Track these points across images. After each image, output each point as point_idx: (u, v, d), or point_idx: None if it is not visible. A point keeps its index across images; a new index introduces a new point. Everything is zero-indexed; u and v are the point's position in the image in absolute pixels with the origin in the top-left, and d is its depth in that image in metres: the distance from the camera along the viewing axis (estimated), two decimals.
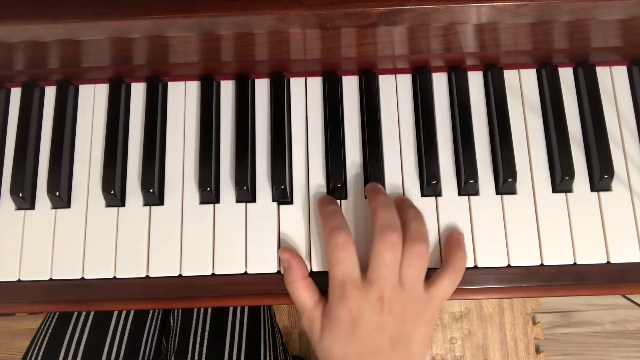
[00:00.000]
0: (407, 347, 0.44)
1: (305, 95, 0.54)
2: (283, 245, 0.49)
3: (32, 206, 0.51)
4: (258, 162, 0.52)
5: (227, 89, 0.54)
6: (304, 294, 0.47)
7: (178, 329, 0.67)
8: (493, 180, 0.51)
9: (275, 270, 0.49)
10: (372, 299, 0.43)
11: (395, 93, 0.53)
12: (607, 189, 0.50)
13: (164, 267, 0.49)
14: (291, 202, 0.51)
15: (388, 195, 0.49)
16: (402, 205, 0.48)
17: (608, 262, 0.48)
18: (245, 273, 0.49)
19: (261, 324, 0.68)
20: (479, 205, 0.50)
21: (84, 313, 0.65)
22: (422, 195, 0.50)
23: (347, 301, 0.44)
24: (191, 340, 0.64)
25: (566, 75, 0.53)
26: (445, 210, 0.50)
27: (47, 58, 0.50)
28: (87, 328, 0.64)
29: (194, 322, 0.66)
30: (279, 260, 0.49)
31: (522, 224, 0.49)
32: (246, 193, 0.50)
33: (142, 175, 0.51)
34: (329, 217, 0.47)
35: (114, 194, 0.50)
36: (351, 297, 0.43)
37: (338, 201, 0.50)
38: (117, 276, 0.49)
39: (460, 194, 0.50)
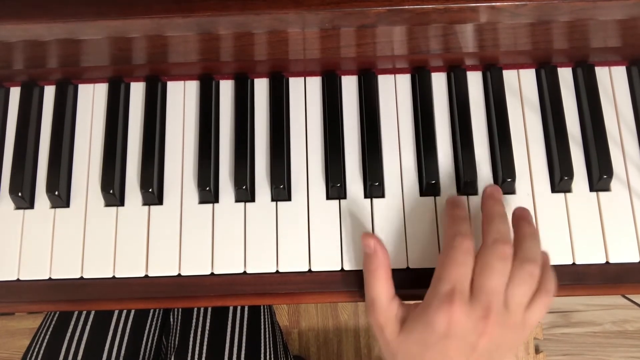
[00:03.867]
0: None
1: (305, 95, 0.54)
2: (282, 245, 0.49)
3: (31, 205, 0.51)
4: (257, 161, 0.52)
5: (227, 89, 0.54)
6: (384, 284, 0.43)
7: (178, 328, 0.67)
8: (492, 180, 0.51)
9: (274, 270, 0.49)
10: (476, 316, 0.40)
11: (395, 93, 0.53)
12: (606, 189, 0.50)
13: (163, 267, 0.49)
14: (290, 202, 0.50)
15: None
16: (521, 218, 0.45)
17: (607, 262, 0.48)
18: (245, 273, 0.49)
19: (261, 323, 0.68)
20: (479, 205, 0.50)
21: (84, 312, 0.65)
22: (422, 195, 0.50)
23: (449, 310, 0.39)
24: (191, 339, 0.64)
25: (565, 75, 0.53)
26: (445, 209, 0.50)
27: (46, 57, 0.50)
28: (88, 327, 0.64)
29: (194, 321, 0.66)
30: (278, 260, 0.49)
31: None
32: (245, 193, 0.50)
33: (142, 175, 0.51)
34: (460, 221, 0.44)
35: (113, 193, 0.50)
36: (456, 306, 0.39)
37: (337, 201, 0.50)
38: (116, 276, 0.49)
39: (459, 193, 0.50)
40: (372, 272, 0.44)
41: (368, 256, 0.45)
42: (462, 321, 0.40)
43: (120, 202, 0.51)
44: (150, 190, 0.50)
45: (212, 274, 0.49)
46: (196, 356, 0.62)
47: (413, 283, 0.48)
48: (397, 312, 0.43)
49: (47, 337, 0.64)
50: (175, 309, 0.70)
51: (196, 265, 0.49)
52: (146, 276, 0.49)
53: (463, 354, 0.40)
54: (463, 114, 0.52)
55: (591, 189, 0.50)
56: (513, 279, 0.41)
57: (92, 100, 0.54)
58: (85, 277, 0.49)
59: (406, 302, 0.45)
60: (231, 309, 0.67)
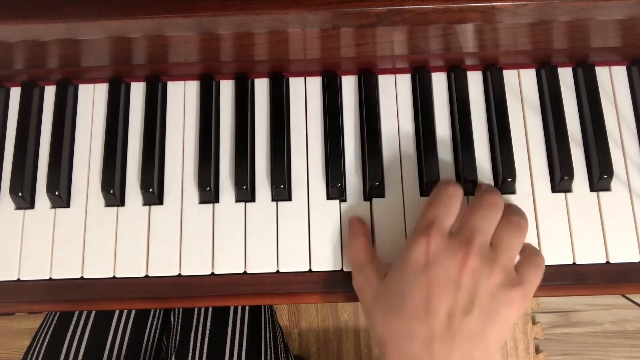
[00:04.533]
0: (482, 324, 0.36)
1: (305, 95, 0.54)
2: (282, 245, 0.49)
3: (31, 206, 0.51)
4: (257, 161, 0.52)
5: (227, 89, 0.54)
6: (362, 247, 0.44)
7: (179, 328, 0.67)
8: (492, 180, 0.51)
9: (274, 270, 0.49)
10: (456, 246, 0.37)
11: (395, 93, 0.53)
12: (607, 188, 0.50)
13: (164, 267, 0.49)
14: (290, 202, 0.50)
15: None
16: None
17: (607, 262, 0.48)
18: (245, 273, 0.49)
19: (262, 323, 0.68)
20: None
21: (84, 312, 0.65)
22: (422, 195, 0.50)
23: (427, 239, 0.37)
24: (192, 339, 0.64)
25: (566, 75, 0.53)
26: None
27: (46, 57, 0.50)
28: (88, 327, 0.64)
29: (194, 321, 0.66)
30: (278, 260, 0.49)
31: None
32: (246, 192, 0.50)
33: (142, 175, 0.51)
34: (449, 182, 0.43)
35: (114, 193, 0.50)
36: (433, 236, 0.37)
37: (337, 201, 0.50)
38: (117, 276, 0.49)
39: None
40: (351, 237, 0.45)
41: (349, 229, 0.46)
42: (440, 249, 0.37)
43: (121, 202, 0.51)
44: (150, 190, 0.50)
45: (213, 274, 0.49)
46: (197, 356, 0.62)
47: None
48: (377, 270, 0.41)
49: (48, 337, 0.64)
50: (176, 309, 0.70)
51: (196, 265, 0.49)
52: (146, 276, 0.49)
53: (448, 288, 0.36)
54: (463, 114, 0.52)
55: (591, 189, 0.50)
56: (501, 224, 0.40)
57: (92, 100, 0.54)
58: (85, 277, 0.49)
59: None
60: (232, 308, 0.67)
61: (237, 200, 0.51)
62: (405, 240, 0.42)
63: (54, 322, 0.65)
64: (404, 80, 0.54)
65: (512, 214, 0.42)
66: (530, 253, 0.43)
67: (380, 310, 0.39)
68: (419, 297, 0.36)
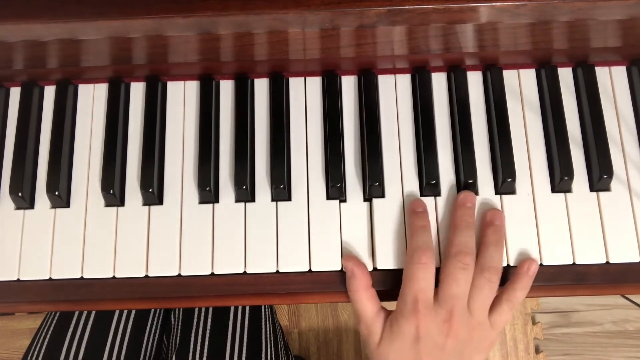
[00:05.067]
0: None
1: (305, 95, 0.54)
2: (282, 245, 0.49)
3: (31, 206, 0.51)
4: (257, 161, 0.52)
5: (227, 89, 0.54)
6: (366, 303, 0.47)
7: (179, 327, 0.67)
8: (492, 180, 0.51)
9: (274, 270, 0.49)
10: (440, 319, 0.45)
11: (395, 93, 0.53)
12: (607, 189, 0.50)
13: (163, 267, 0.49)
14: (290, 202, 0.50)
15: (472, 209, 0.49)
16: (488, 225, 0.48)
17: (607, 262, 0.48)
18: (245, 273, 0.49)
19: (262, 323, 0.68)
20: (478, 205, 0.50)
21: (84, 312, 0.65)
22: (422, 195, 0.50)
23: (415, 317, 0.45)
24: (192, 339, 0.64)
25: (565, 75, 0.53)
26: (444, 209, 0.50)
27: (46, 57, 0.50)
28: (89, 327, 0.64)
29: (195, 320, 0.66)
30: (278, 260, 0.49)
31: (521, 224, 0.49)
32: (245, 193, 0.50)
33: (142, 175, 0.51)
34: (419, 232, 0.47)
35: (113, 193, 0.50)
36: (421, 314, 0.45)
37: (337, 201, 0.50)
38: (117, 276, 0.49)
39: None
40: (354, 292, 0.47)
41: (349, 278, 0.48)
42: (429, 324, 0.45)
43: (121, 202, 0.51)
44: (150, 190, 0.50)
45: (213, 274, 0.49)
46: (197, 356, 0.62)
47: None
48: (380, 325, 0.47)
49: (48, 337, 0.64)
50: (176, 309, 0.70)
51: (196, 265, 0.49)
52: (146, 276, 0.49)
53: (436, 355, 0.45)
54: (463, 114, 0.52)
55: (591, 189, 0.50)
56: (474, 285, 0.46)
57: (92, 100, 0.54)
58: (85, 277, 0.49)
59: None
60: (232, 308, 0.67)
61: (237, 200, 0.51)
62: (397, 303, 0.46)
63: (54, 322, 0.65)
64: (404, 80, 0.54)
65: (487, 269, 0.46)
66: (504, 294, 0.48)
67: None
68: None
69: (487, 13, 0.45)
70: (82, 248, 0.50)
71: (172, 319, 0.70)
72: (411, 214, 0.49)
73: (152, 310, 0.70)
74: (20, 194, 0.50)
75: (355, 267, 0.48)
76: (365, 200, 0.50)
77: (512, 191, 0.50)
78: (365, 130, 0.51)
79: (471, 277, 0.46)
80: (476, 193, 0.50)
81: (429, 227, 0.48)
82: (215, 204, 0.51)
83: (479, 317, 0.46)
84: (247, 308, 0.67)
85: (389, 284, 0.49)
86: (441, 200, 0.50)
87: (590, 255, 0.48)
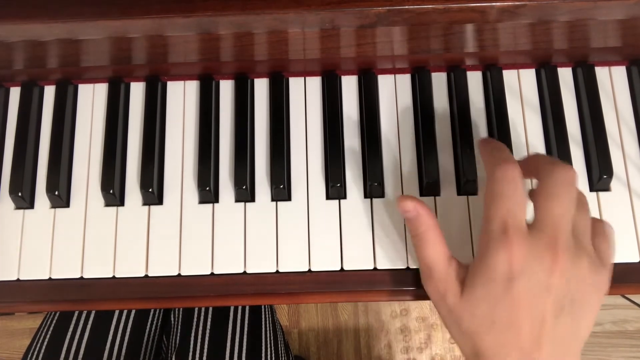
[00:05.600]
0: (574, 319, 0.35)
1: (305, 95, 0.54)
2: (282, 245, 0.49)
3: (31, 205, 0.51)
4: (257, 161, 0.52)
5: (227, 89, 0.54)
6: (437, 245, 0.39)
7: (179, 327, 0.67)
8: None
9: (274, 270, 0.49)
10: (542, 249, 0.34)
11: (395, 93, 0.53)
12: (606, 189, 0.50)
13: (163, 267, 0.49)
14: (290, 202, 0.51)
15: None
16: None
17: None
18: (245, 273, 0.49)
19: (262, 322, 0.68)
20: (478, 205, 0.50)
21: (84, 312, 0.65)
22: (422, 195, 0.50)
23: (508, 247, 0.34)
24: (192, 338, 0.64)
25: (565, 75, 0.53)
26: (444, 209, 0.50)
27: (46, 57, 0.50)
28: (88, 327, 0.64)
29: (194, 320, 0.66)
30: (278, 259, 0.49)
31: None
32: (245, 192, 0.50)
33: (141, 175, 0.51)
34: (498, 149, 0.39)
35: (113, 193, 0.50)
36: (514, 243, 0.34)
37: (337, 201, 0.50)
38: (116, 275, 0.49)
39: (459, 193, 0.50)
40: (422, 235, 0.40)
41: (412, 220, 0.41)
42: (525, 256, 0.34)
43: (120, 202, 0.51)
44: (150, 190, 0.50)
45: (212, 274, 0.49)
46: (197, 356, 0.62)
47: (413, 283, 0.48)
48: (457, 274, 0.38)
49: (48, 337, 0.64)
50: (176, 309, 0.70)
51: (196, 265, 0.49)
52: (146, 276, 0.49)
53: (538, 298, 0.34)
54: (463, 113, 0.52)
55: (591, 189, 0.50)
56: (583, 208, 0.38)
57: (92, 100, 0.54)
58: (85, 277, 0.49)
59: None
60: (232, 308, 0.67)
61: (237, 200, 0.51)
62: (479, 242, 0.37)
63: (54, 322, 0.65)
64: (404, 80, 0.54)
65: (580, 194, 0.39)
66: (599, 225, 0.40)
67: (469, 325, 0.37)
68: (510, 312, 0.35)
69: (487, 13, 0.45)
70: (81, 248, 0.50)
71: (172, 319, 0.70)
72: (482, 142, 0.42)
73: (152, 310, 0.70)
74: (20, 194, 0.50)
75: (418, 204, 0.40)
76: (365, 200, 0.50)
77: None
78: (366, 130, 0.51)
79: (574, 202, 0.36)
80: (476, 193, 0.50)
81: (507, 149, 0.40)
82: (215, 204, 0.51)
83: (587, 247, 0.36)
84: (247, 308, 0.68)
85: (390, 285, 0.49)
86: (441, 200, 0.50)
87: None
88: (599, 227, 0.40)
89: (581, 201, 0.38)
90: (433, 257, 0.39)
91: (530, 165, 0.40)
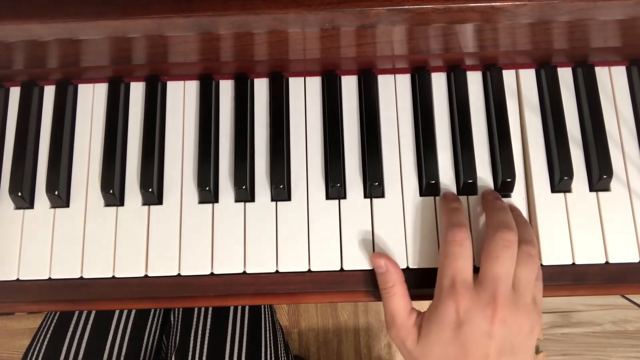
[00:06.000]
0: (518, 358, 0.41)
1: (305, 95, 0.54)
2: (281, 245, 0.49)
3: (31, 205, 0.51)
4: (257, 161, 0.52)
5: (226, 89, 0.54)
6: (402, 299, 0.45)
7: (178, 327, 0.67)
8: (492, 180, 0.51)
9: (273, 270, 0.49)
10: (483, 302, 0.40)
11: (395, 93, 0.53)
12: (606, 189, 0.50)
13: (163, 267, 0.49)
14: (290, 202, 0.50)
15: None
16: (512, 210, 0.47)
17: (607, 262, 0.48)
18: (244, 273, 0.49)
19: (262, 322, 0.68)
20: (478, 205, 0.50)
21: (84, 312, 0.65)
22: (421, 195, 0.50)
23: (455, 299, 0.41)
24: (192, 338, 0.64)
25: (565, 75, 0.53)
26: (439, 205, 0.50)
27: (46, 57, 0.50)
28: (88, 327, 0.64)
29: (194, 320, 0.66)
30: (277, 259, 0.49)
31: None
32: (245, 192, 0.50)
33: (141, 175, 0.51)
34: (452, 212, 0.45)
35: (113, 193, 0.50)
36: (460, 295, 0.40)
37: (337, 201, 0.50)
38: (116, 275, 0.49)
39: (459, 193, 0.50)
40: (390, 289, 0.45)
41: (382, 275, 0.46)
42: (470, 309, 0.40)
43: (120, 202, 0.51)
44: (150, 190, 0.50)
45: (212, 274, 0.49)
46: (197, 356, 0.62)
47: (413, 283, 0.48)
48: (415, 322, 0.44)
49: (48, 337, 0.64)
50: (176, 309, 0.70)
51: (196, 265, 0.49)
52: (146, 276, 0.49)
53: (483, 344, 0.40)
54: (463, 114, 0.52)
55: (591, 189, 0.50)
56: (519, 260, 0.42)
57: (92, 100, 0.54)
58: (85, 277, 0.49)
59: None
60: (232, 308, 0.67)
61: (237, 200, 0.51)
62: (435, 292, 0.43)
63: (54, 322, 0.65)
64: (404, 80, 0.54)
65: (523, 244, 0.44)
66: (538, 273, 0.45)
67: None
68: (458, 353, 0.41)
69: (487, 13, 0.45)
70: (81, 248, 0.50)
71: (172, 319, 0.70)
72: (443, 199, 0.48)
73: (152, 310, 0.70)
74: (20, 194, 0.50)
75: (389, 262, 0.46)
76: (365, 200, 0.50)
77: (511, 191, 0.50)
78: (365, 130, 0.51)
79: (515, 257, 0.42)
80: (475, 193, 0.50)
81: (462, 210, 0.46)
82: (215, 204, 0.51)
83: (524, 297, 0.42)
84: (247, 308, 0.67)
85: None
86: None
87: (590, 255, 0.48)
88: (538, 273, 0.45)
89: (530, 255, 0.43)
90: (397, 308, 0.45)
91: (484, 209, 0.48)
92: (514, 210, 0.48)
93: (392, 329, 0.45)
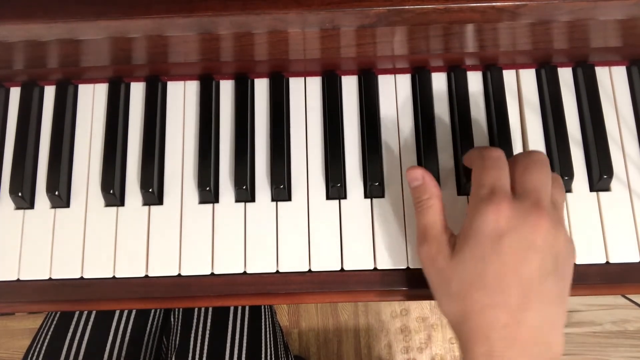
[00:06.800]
0: (557, 283, 0.38)
1: (305, 95, 0.54)
2: (282, 245, 0.49)
3: (31, 206, 0.51)
4: (257, 161, 0.52)
5: (227, 89, 0.54)
6: (437, 213, 0.42)
7: (179, 328, 0.67)
8: None
9: (273, 270, 0.49)
10: (527, 210, 0.37)
11: (395, 93, 0.53)
12: (607, 189, 0.50)
13: (163, 267, 0.49)
14: (290, 202, 0.50)
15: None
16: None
17: (607, 262, 0.48)
18: (245, 273, 0.49)
19: (262, 323, 0.68)
20: None
21: (85, 313, 0.65)
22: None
23: (496, 207, 0.37)
24: (192, 339, 0.64)
25: (565, 75, 0.53)
26: (445, 209, 0.50)
27: (46, 57, 0.50)
28: (88, 327, 0.64)
29: (194, 321, 0.66)
30: (278, 260, 0.49)
31: None
32: (245, 193, 0.50)
33: (142, 175, 0.51)
34: (486, 147, 0.43)
35: (113, 193, 0.50)
36: (502, 203, 0.37)
37: (337, 201, 0.50)
38: (116, 276, 0.49)
39: (459, 193, 0.50)
40: (425, 202, 0.42)
41: (417, 188, 0.43)
42: (511, 215, 0.37)
43: (121, 202, 0.51)
44: (150, 190, 0.50)
45: (212, 274, 0.49)
46: (197, 356, 0.62)
47: (413, 283, 0.48)
48: (449, 239, 0.41)
49: (48, 337, 0.64)
50: (176, 309, 0.70)
51: (196, 265, 0.49)
52: (146, 276, 0.49)
53: (525, 258, 0.36)
54: (463, 114, 0.52)
55: (591, 189, 0.50)
56: (555, 185, 0.40)
57: (92, 100, 0.54)
58: (85, 277, 0.49)
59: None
60: (232, 308, 0.67)
61: (237, 201, 0.51)
62: (468, 208, 0.40)
63: (54, 322, 0.65)
64: (404, 80, 0.54)
65: (554, 178, 0.42)
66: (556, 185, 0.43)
67: (458, 285, 0.39)
68: (499, 268, 0.37)
69: (487, 13, 0.45)
70: (82, 248, 0.50)
71: (172, 320, 0.70)
72: (474, 150, 0.44)
73: (152, 311, 0.70)
74: (20, 194, 0.50)
75: (426, 174, 0.43)
76: (365, 200, 0.50)
77: None
78: (366, 130, 0.51)
79: (550, 175, 0.40)
80: None
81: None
82: (215, 204, 0.51)
83: (562, 214, 0.40)
84: (247, 308, 0.67)
85: (390, 285, 0.49)
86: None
87: (590, 255, 0.48)
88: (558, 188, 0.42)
89: (557, 180, 0.41)
90: (431, 221, 0.42)
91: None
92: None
93: (424, 245, 0.41)
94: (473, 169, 0.42)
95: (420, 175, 0.44)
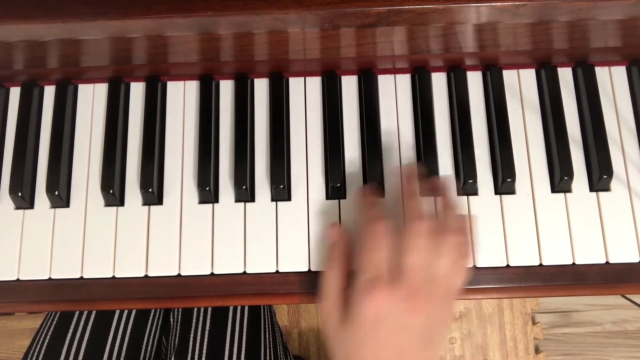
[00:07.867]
0: (433, 349, 0.42)
1: (305, 95, 0.54)
2: (282, 245, 0.49)
3: (31, 205, 0.51)
4: (257, 161, 0.52)
5: (227, 89, 0.54)
6: (338, 275, 0.44)
7: (178, 328, 0.67)
8: (492, 180, 0.51)
9: (273, 270, 0.49)
10: (403, 295, 0.40)
11: (395, 93, 0.53)
12: (606, 189, 0.50)
13: (163, 267, 0.49)
14: (290, 202, 0.50)
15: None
16: (436, 190, 0.47)
17: (607, 262, 0.48)
18: (244, 273, 0.49)
19: (261, 323, 0.68)
20: (478, 205, 0.50)
21: (85, 313, 0.65)
22: (421, 195, 0.50)
23: (374, 296, 0.40)
24: (191, 339, 0.64)
25: (565, 75, 0.53)
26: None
27: (46, 57, 0.50)
28: (88, 328, 0.64)
29: (194, 321, 0.66)
30: (277, 259, 0.49)
31: (521, 224, 0.49)
32: (245, 192, 0.50)
33: (141, 175, 0.51)
34: (371, 206, 0.46)
35: (113, 193, 0.50)
36: (379, 291, 0.40)
37: (337, 201, 0.50)
38: (116, 276, 0.49)
39: (459, 194, 0.50)
40: (330, 261, 0.45)
41: (330, 247, 0.46)
42: (389, 304, 0.40)
43: (120, 202, 0.51)
44: (150, 190, 0.50)
45: (212, 274, 0.49)
46: (196, 356, 0.62)
47: None
48: (345, 302, 0.43)
49: (48, 337, 0.64)
50: (176, 309, 0.70)
51: (196, 265, 0.49)
52: (146, 276, 0.49)
53: (401, 336, 0.40)
54: (463, 114, 0.52)
55: (591, 189, 0.50)
56: (436, 251, 0.42)
57: (92, 100, 0.54)
58: (85, 277, 0.49)
59: None
60: (231, 309, 0.67)
61: (237, 200, 0.51)
62: (355, 284, 0.42)
63: (54, 322, 0.65)
64: (404, 80, 0.54)
65: (444, 234, 0.43)
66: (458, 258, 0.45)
67: (342, 353, 0.43)
68: (377, 347, 0.41)
69: (487, 13, 0.45)
70: (81, 248, 0.50)
71: (172, 320, 0.70)
72: (359, 193, 0.49)
73: (152, 311, 0.70)
74: (20, 194, 0.50)
75: (342, 234, 0.46)
76: None
77: (512, 191, 0.50)
78: (365, 130, 0.51)
79: (429, 244, 0.42)
80: (476, 193, 0.50)
81: (380, 203, 0.47)
82: (215, 204, 0.51)
83: (441, 286, 0.42)
84: (247, 309, 0.67)
85: None
86: (440, 200, 0.50)
87: (590, 255, 0.48)
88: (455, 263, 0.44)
89: (444, 242, 0.42)
90: (331, 281, 0.44)
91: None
92: (444, 192, 0.47)
93: (322, 301, 0.45)
94: (358, 246, 0.44)
95: (336, 235, 0.47)
